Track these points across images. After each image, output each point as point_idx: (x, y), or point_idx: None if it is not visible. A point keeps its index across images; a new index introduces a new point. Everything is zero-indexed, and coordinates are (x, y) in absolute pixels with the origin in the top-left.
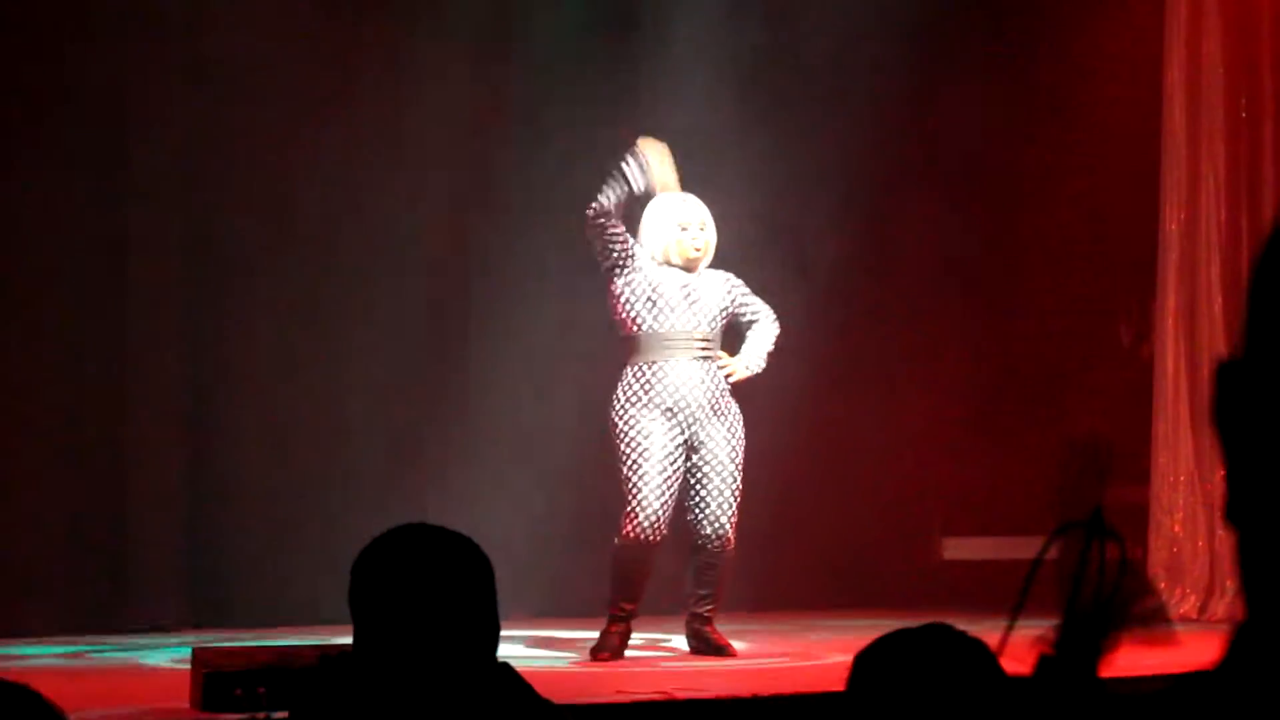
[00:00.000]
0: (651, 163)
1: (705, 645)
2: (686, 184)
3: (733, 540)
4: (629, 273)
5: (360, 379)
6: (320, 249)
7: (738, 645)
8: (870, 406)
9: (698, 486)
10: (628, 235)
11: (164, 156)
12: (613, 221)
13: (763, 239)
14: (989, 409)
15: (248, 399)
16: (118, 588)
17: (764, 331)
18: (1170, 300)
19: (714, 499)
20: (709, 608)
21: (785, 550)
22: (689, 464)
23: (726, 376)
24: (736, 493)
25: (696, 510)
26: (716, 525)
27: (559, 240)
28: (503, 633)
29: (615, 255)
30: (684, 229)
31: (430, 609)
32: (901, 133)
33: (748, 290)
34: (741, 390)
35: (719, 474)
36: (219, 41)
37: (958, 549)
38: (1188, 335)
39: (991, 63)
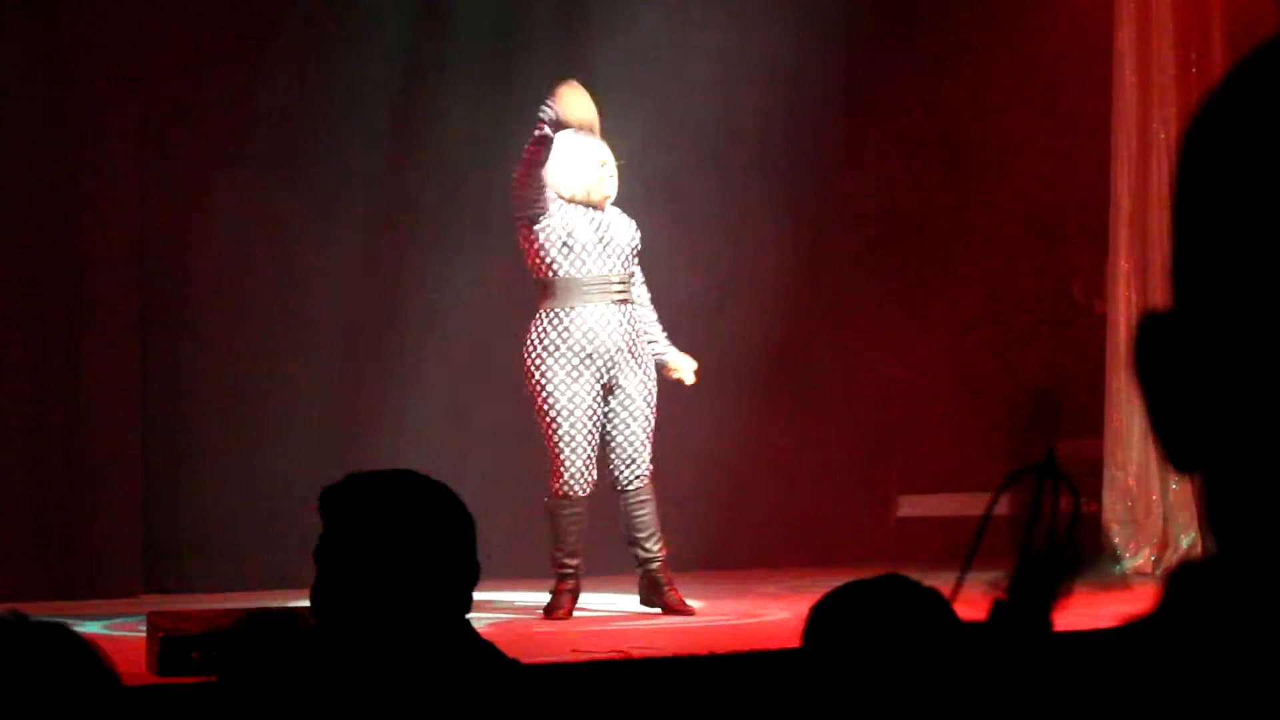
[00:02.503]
0: (572, 106)
1: (662, 604)
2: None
3: (650, 478)
4: (545, 218)
5: (315, 344)
6: (271, 209)
7: (693, 604)
8: (825, 366)
9: (614, 431)
10: (546, 184)
11: (115, 142)
12: (543, 174)
13: (716, 203)
14: (943, 367)
15: (202, 364)
16: (73, 554)
17: (651, 316)
18: (1122, 258)
19: (633, 440)
20: (659, 549)
21: (740, 508)
22: (606, 408)
23: (678, 379)
24: (651, 433)
25: (615, 453)
26: (636, 465)
27: (499, 196)
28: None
29: (539, 205)
30: (603, 165)
31: (414, 555)
32: (856, 93)
33: (639, 246)
34: (697, 346)
35: (635, 417)
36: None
37: (913, 506)
38: (1140, 292)
39: (942, 25)
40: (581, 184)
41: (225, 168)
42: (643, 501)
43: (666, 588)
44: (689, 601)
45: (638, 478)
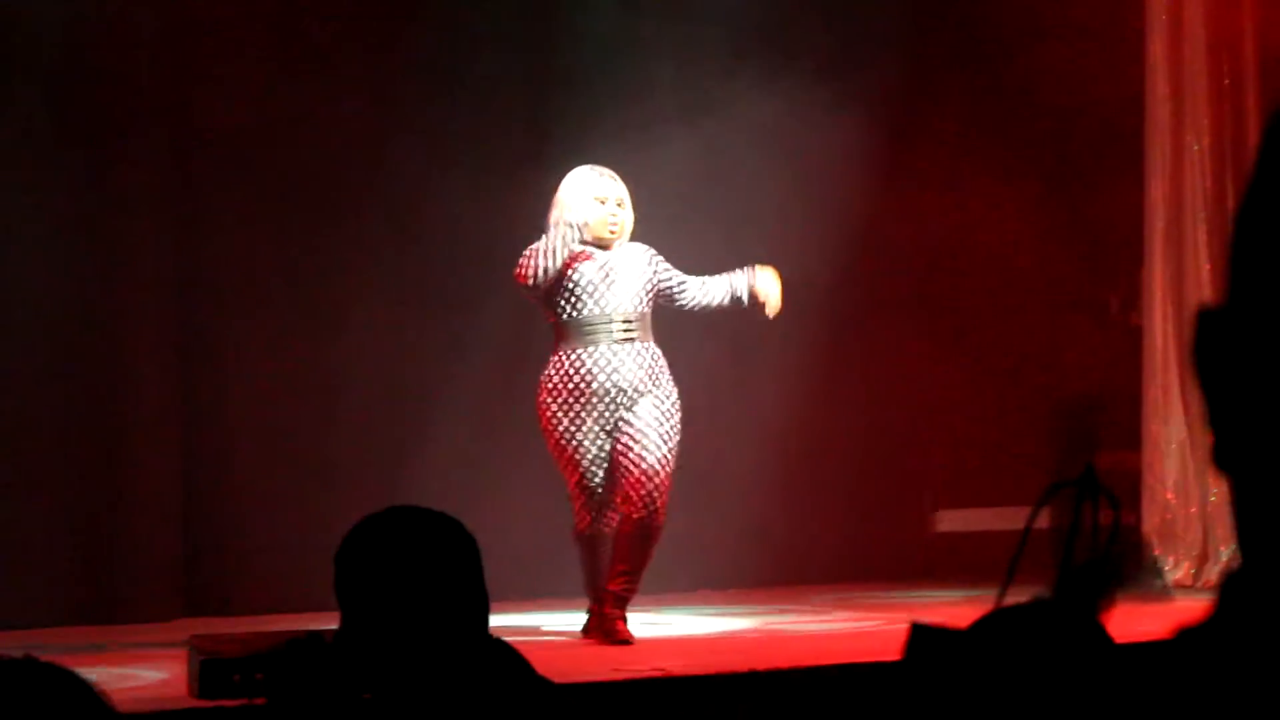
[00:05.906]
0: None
1: (605, 632)
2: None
3: (662, 513)
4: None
5: (352, 368)
6: (314, 242)
7: (736, 621)
8: (863, 381)
9: (624, 460)
10: (546, 279)
11: (154, 155)
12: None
13: (748, 215)
14: (981, 381)
15: (240, 388)
16: (115, 578)
17: (710, 281)
18: (1157, 268)
19: (638, 469)
20: (628, 588)
21: (779, 524)
22: (618, 441)
23: (763, 308)
24: (663, 463)
25: (624, 480)
26: (643, 493)
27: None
28: (495, 617)
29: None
30: (601, 203)
31: (417, 588)
32: (887, 111)
33: (668, 264)
34: (735, 365)
35: (644, 445)
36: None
37: (952, 521)
38: (1175, 302)
39: (971, 40)
40: (579, 221)
41: (268, 214)
42: (645, 535)
43: (618, 616)
44: (729, 617)
45: (649, 509)
